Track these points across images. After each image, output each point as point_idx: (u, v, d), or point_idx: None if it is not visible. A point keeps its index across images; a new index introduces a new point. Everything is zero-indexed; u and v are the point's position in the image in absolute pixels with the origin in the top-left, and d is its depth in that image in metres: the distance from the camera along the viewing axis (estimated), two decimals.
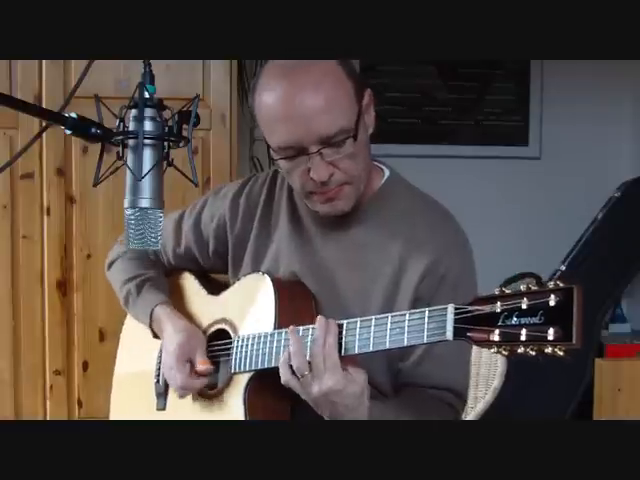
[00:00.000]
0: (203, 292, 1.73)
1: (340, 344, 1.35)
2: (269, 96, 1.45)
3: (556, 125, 3.62)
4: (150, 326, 1.69)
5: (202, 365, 1.59)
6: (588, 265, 3.19)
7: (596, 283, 3.16)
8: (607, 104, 3.66)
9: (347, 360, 1.35)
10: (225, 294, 1.67)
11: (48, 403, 2.66)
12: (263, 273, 1.57)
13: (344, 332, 1.37)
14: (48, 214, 2.62)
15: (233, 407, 1.54)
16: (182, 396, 1.62)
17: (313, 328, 1.39)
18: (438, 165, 3.50)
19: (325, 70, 1.44)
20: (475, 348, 1.93)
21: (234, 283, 1.66)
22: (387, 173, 1.61)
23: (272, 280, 1.54)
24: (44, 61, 2.56)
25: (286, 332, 1.45)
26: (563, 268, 3.16)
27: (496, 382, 1.90)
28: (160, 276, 1.77)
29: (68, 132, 1.22)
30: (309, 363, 1.36)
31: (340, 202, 1.50)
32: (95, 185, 1.23)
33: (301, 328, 1.41)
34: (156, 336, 1.69)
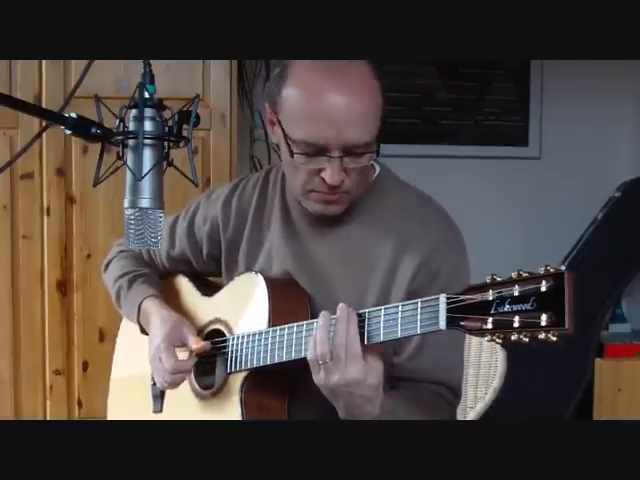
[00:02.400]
0: (197, 293, 1.73)
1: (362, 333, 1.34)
2: (304, 91, 1.44)
3: (556, 125, 3.62)
4: (138, 320, 1.68)
5: (197, 344, 1.57)
6: (588, 265, 3.19)
7: (596, 283, 3.16)
8: (607, 104, 3.66)
9: (365, 350, 1.33)
10: (219, 295, 1.67)
11: (48, 403, 2.66)
12: (256, 272, 1.58)
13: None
14: (48, 214, 2.62)
15: (230, 407, 1.54)
16: (173, 383, 1.59)
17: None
18: (438, 165, 3.50)
19: (364, 78, 1.44)
20: (475, 348, 1.95)
21: (228, 283, 1.67)
22: (377, 169, 1.61)
23: (265, 278, 1.55)
24: (44, 61, 2.56)
25: (280, 329, 1.46)
26: (563, 268, 3.16)
27: (496, 382, 1.90)
28: (153, 274, 1.78)
29: (68, 132, 1.22)
30: (331, 352, 1.33)
31: (336, 207, 1.51)
32: (95, 185, 1.23)
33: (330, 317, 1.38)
34: (143, 331, 1.68)
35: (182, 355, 1.59)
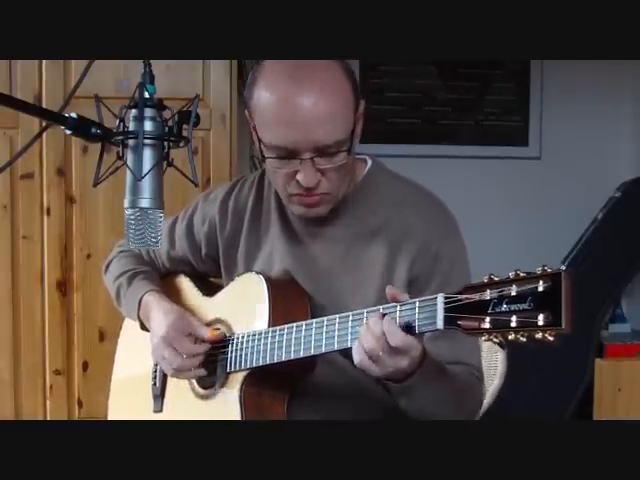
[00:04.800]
0: (198, 294, 1.74)
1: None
2: (271, 95, 1.44)
3: (556, 125, 3.61)
4: (138, 315, 1.68)
5: (212, 333, 1.57)
6: (588, 265, 3.19)
7: (596, 283, 3.16)
8: (607, 104, 3.65)
9: None
10: (219, 295, 1.68)
11: (48, 403, 2.66)
12: (257, 273, 1.58)
13: (336, 326, 1.38)
14: (48, 214, 2.62)
15: (229, 406, 1.54)
16: (186, 368, 1.58)
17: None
18: (438, 165, 3.50)
19: (330, 78, 1.44)
20: None
21: (228, 284, 1.67)
22: (369, 163, 1.62)
23: (265, 279, 1.55)
24: (44, 61, 2.56)
25: (280, 329, 1.46)
26: (563, 268, 3.16)
27: (496, 382, 1.89)
28: (154, 272, 1.78)
29: (68, 132, 1.22)
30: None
31: (318, 208, 1.52)
32: (95, 185, 1.23)
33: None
34: (143, 327, 1.68)
35: None
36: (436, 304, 1.24)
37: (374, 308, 1.34)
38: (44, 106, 2.22)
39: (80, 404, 2.67)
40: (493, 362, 1.91)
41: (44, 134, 1.40)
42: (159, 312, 1.63)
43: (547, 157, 3.64)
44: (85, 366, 2.67)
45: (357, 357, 1.32)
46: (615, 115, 3.67)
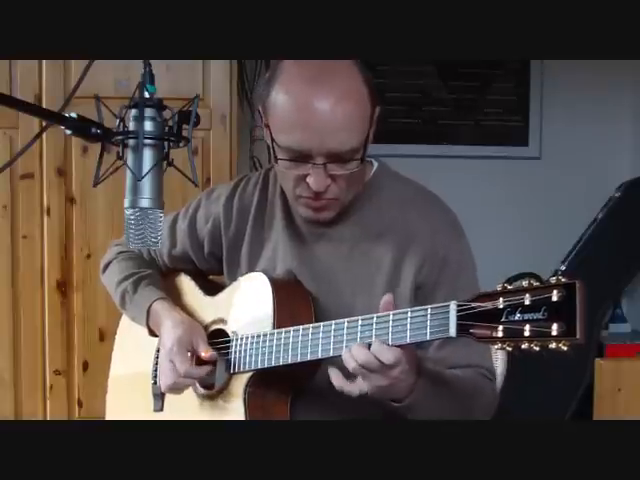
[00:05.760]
0: (200, 293, 1.73)
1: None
2: (289, 98, 1.44)
3: (556, 125, 3.62)
4: (147, 323, 1.68)
5: (206, 353, 1.57)
6: (588, 265, 3.19)
7: (596, 283, 3.16)
8: (607, 104, 3.65)
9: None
10: (222, 294, 1.67)
11: (48, 403, 2.66)
12: (261, 273, 1.58)
13: (345, 330, 1.37)
14: (48, 214, 2.62)
15: (233, 407, 1.54)
16: (180, 387, 1.59)
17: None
18: (438, 165, 3.50)
19: (349, 85, 1.44)
20: None
21: (231, 283, 1.66)
22: (375, 165, 1.62)
23: (269, 279, 1.55)
24: (44, 61, 2.56)
25: (285, 331, 1.46)
26: (563, 268, 3.16)
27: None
28: (156, 274, 1.77)
29: (68, 132, 1.22)
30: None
31: (325, 213, 1.53)
32: (95, 185, 1.23)
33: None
34: (152, 334, 1.68)
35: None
36: (449, 311, 1.24)
37: (384, 313, 1.33)
38: (44, 106, 2.22)
39: (80, 404, 2.67)
40: (493, 362, 1.91)
41: (44, 134, 1.40)
42: (169, 322, 1.63)
43: (547, 157, 3.64)
44: (85, 366, 2.67)
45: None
46: (615, 115, 3.67)
